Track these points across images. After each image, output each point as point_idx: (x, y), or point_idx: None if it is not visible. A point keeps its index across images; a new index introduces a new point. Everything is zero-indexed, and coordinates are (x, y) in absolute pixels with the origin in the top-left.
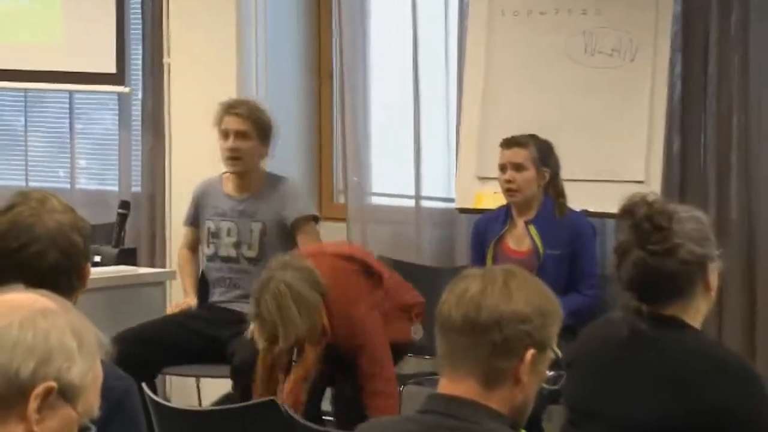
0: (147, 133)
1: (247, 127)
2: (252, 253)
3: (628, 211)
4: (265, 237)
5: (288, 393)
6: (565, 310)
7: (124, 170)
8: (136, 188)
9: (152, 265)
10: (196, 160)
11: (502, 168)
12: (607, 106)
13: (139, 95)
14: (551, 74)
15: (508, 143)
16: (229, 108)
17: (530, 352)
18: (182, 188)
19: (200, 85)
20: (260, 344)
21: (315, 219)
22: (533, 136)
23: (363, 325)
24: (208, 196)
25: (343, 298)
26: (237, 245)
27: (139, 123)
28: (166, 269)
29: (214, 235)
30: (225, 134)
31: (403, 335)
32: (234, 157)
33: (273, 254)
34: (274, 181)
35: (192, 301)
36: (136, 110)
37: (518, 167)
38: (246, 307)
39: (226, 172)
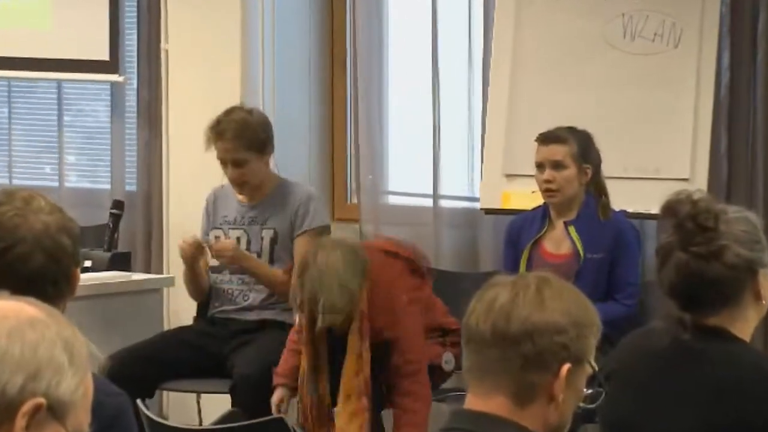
0: (143, 126)
1: (241, 154)
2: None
3: (670, 209)
4: (276, 245)
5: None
6: (601, 317)
7: (117, 167)
8: (131, 187)
9: (148, 271)
10: (196, 155)
11: (539, 166)
12: (648, 96)
13: (134, 84)
14: (586, 61)
15: (546, 139)
16: (217, 132)
17: (566, 366)
18: (181, 187)
19: (201, 73)
20: (299, 321)
21: (322, 230)
22: (572, 129)
23: (403, 317)
24: (219, 203)
25: (385, 287)
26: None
27: (134, 115)
28: (164, 275)
29: None
30: (222, 162)
31: (433, 357)
32: (239, 183)
33: (282, 262)
34: (288, 187)
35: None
36: (131, 101)
37: (557, 165)
38: (249, 315)
39: None
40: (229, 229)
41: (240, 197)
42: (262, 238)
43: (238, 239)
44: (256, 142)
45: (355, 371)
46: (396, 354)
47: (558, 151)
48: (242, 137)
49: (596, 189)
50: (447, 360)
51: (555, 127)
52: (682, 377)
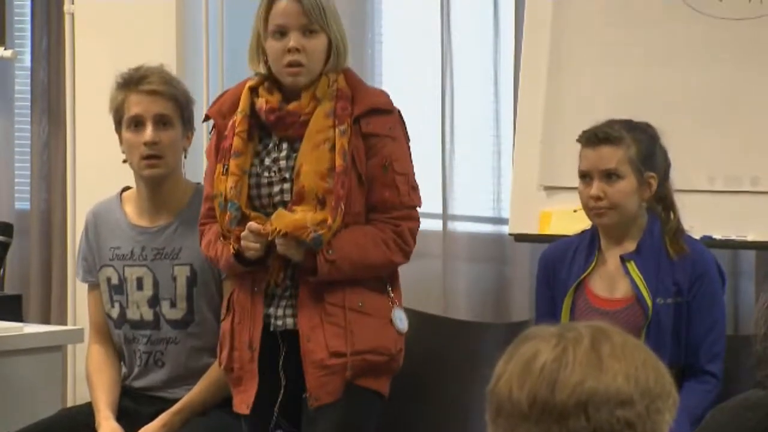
0: (38, 119)
1: (169, 110)
2: (177, 314)
3: None
4: (195, 287)
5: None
6: (681, 422)
7: (3, 176)
8: (22, 204)
9: (46, 321)
10: (113, 160)
11: (585, 176)
12: (743, 77)
13: (28, 62)
14: (657, 29)
15: (592, 139)
16: (135, 82)
17: None
18: (92, 203)
19: (120, 46)
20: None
21: None
22: (629, 124)
23: (397, 127)
24: (104, 229)
25: (381, 95)
26: (154, 302)
27: (28, 104)
28: (68, 327)
29: (117, 289)
30: (135, 122)
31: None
32: (154, 155)
33: (207, 313)
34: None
35: (108, 426)
36: (23, 84)
37: (610, 175)
38: (180, 393)
39: (126, 189)
40: (125, 266)
41: (132, 217)
42: (174, 279)
43: (140, 280)
44: (186, 103)
45: (321, 170)
46: (384, 187)
47: (610, 156)
48: (170, 90)
49: (663, 205)
50: (399, 317)
51: (605, 120)
52: None
